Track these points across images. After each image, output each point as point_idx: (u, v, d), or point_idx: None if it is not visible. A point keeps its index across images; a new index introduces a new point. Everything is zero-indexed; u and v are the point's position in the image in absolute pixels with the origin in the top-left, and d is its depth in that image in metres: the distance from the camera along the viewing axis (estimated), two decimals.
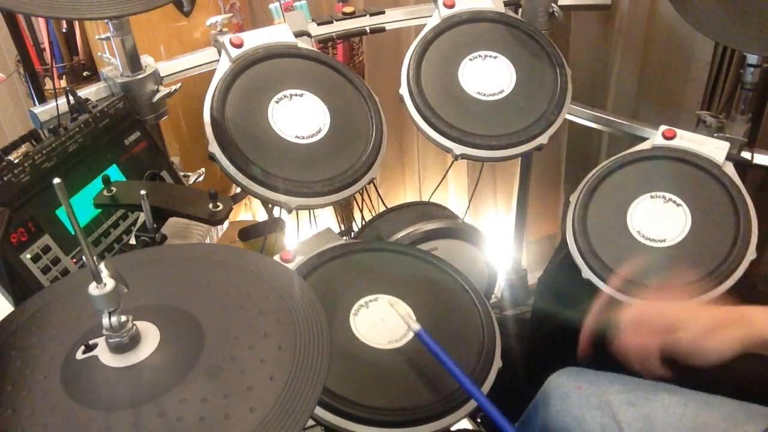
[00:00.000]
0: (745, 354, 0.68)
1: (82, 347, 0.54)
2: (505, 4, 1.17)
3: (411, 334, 0.83)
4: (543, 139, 1.05)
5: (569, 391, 0.90)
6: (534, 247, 1.86)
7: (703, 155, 1.03)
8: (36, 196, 0.85)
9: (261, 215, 1.70)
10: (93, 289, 0.50)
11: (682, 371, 0.72)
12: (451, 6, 1.12)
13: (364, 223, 1.33)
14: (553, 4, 1.21)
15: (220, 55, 0.99)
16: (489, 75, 1.09)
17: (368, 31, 1.20)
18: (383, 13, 1.21)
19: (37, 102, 1.18)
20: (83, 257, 0.84)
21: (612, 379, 0.90)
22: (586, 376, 0.92)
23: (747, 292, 0.94)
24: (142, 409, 0.49)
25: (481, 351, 0.84)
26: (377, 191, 1.39)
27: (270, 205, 1.30)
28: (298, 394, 0.51)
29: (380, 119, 1.02)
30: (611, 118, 1.28)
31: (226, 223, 0.92)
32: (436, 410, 0.76)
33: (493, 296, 1.47)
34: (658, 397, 0.84)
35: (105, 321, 0.51)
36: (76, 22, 1.37)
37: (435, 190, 1.52)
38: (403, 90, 1.06)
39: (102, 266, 0.50)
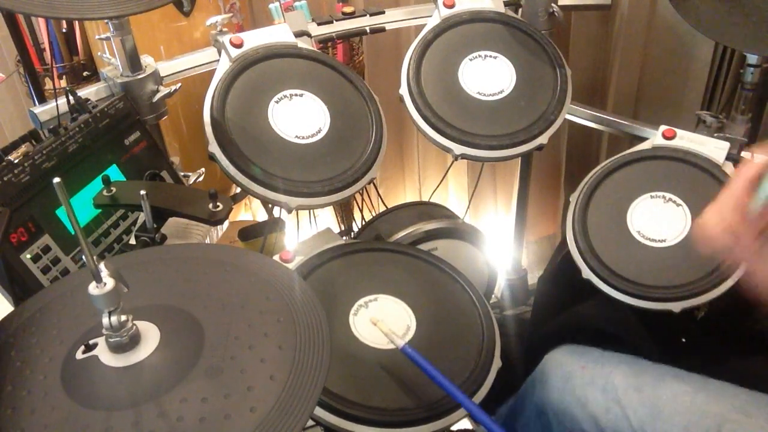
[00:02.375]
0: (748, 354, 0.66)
1: (82, 347, 0.54)
2: (505, 4, 1.17)
3: (410, 335, 0.83)
4: (543, 139, 1.05)
5: (572, 370, 0.87)
6: (534, 247, 1.86)
7: (703, 155, 1.03)
8: (36, 196, 0.85)
9: (261, 215, 1.70)
10: (93, 288, 0.50)
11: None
12: (451, 6, 1.12)
13: (364, 223, 1.33)
14: (553, 4, 1.22)
15: (220, 55, 0.99)
16: (489, 75, 1.09)
17: (368, 31, 1.20)
18: (383, 13, 1.21)
19: (37, 102, 1.18)
20: (83, 257, 0.84)
21: (618, 360, 0.86)
22: (590, 355, 0.88)
23: (747, 292, 0.94)
24: (142, 409, 0.49)
25: (481, 351, 0.84)
26: (377, 191, 1.39)
27: (270, 205, 1.30)
28: (298, 394, 0.51)
29: (380, 119, 1.02)
30: (611, 118, 1.27)
31: (226, 223, 0.91)
32: (437, 410, 0.76)
33: (493, 296, 1.47)
34: (666, 384, 0.81)
35: (105, 320, 0.51)
36: (76, 22, 1.37)
37: (435, 190, 1.52)
38: (403, 90, 1.06)
39: (102, 266, 0.50)
